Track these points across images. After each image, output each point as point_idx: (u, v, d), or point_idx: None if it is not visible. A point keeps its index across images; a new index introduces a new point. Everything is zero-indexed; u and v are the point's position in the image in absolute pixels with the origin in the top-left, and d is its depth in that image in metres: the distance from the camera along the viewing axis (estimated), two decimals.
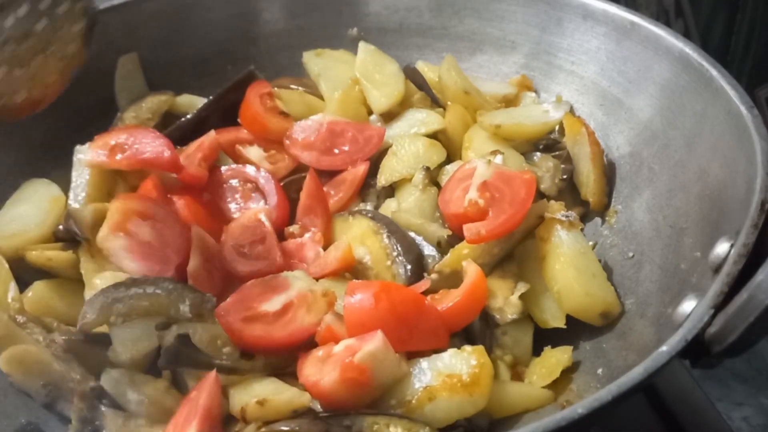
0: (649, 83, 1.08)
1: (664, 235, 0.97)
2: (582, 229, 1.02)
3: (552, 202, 1.01)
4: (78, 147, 1.17)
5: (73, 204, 1.13)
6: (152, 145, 1.13)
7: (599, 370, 0.89)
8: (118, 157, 1.13)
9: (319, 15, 1.37)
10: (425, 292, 0.94)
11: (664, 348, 0.69)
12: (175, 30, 1.33)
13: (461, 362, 0.84)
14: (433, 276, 0.96)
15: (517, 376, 0.94)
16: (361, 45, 1.31)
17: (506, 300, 0.94)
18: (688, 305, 0.76)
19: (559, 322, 0.94)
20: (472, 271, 0.93)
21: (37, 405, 0.94)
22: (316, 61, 1.31)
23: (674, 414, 1.03)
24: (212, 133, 1.18)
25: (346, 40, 1.35)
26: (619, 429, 0.99)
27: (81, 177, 1.14)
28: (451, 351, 0.85)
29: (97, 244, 1.04)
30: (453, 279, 0.96)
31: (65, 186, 1.16)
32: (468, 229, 0.96)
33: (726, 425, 1.04)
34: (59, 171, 1.18)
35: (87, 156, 1.14)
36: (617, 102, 1.13)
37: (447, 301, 0.91)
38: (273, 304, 0.91)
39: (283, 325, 0.90)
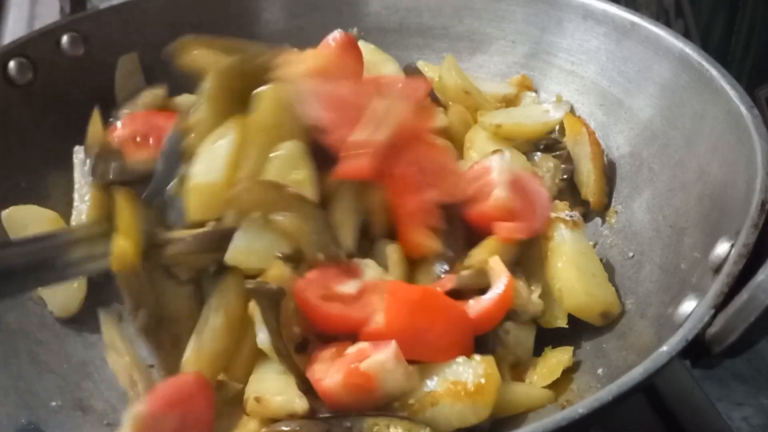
0: (649, 83, 1.08)
1: (664, 235, 0.96)
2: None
3: (557, 201, 1.01)
4: (77, 147, 1.17)
5: (80, 205, 1.13)
6: None
7: (599, 370, 0.89)
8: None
9: (319, 15, 1.37)
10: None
11: (664, 348, 0.68)
12: (175, 30, 1.33)
13: (469, 370, 0.83)
14: (463, 273, 0.95)
15: (518, 376, 0.94)
16: (361, 45, 1.30)
17: (528, 299, 0.94)
18: (688, 305, 0.76)
19: (562, 322, 0.94)
20: (503, 275, 0.92)
21: (37, 405, 0.94)
22: None
23: (674, 414, 1.02)
24: None
25: None
26: (619, 429, 0.99)
27: (85, 177, 1.15)
28: (460, 358, 0.85)
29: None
30: (476, 278, 0.95)
31: (65, 187, 1.16)
32: (502, 227, 0.96)
33: (726, 425, 1.04)
34: (59, 171, 1.18)
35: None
36: (617, 102, 1.13)
37: (477, 307, 0.90)
38: (349, 287, 0.90)
39: (359, 308, 0.89)
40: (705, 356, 0.72)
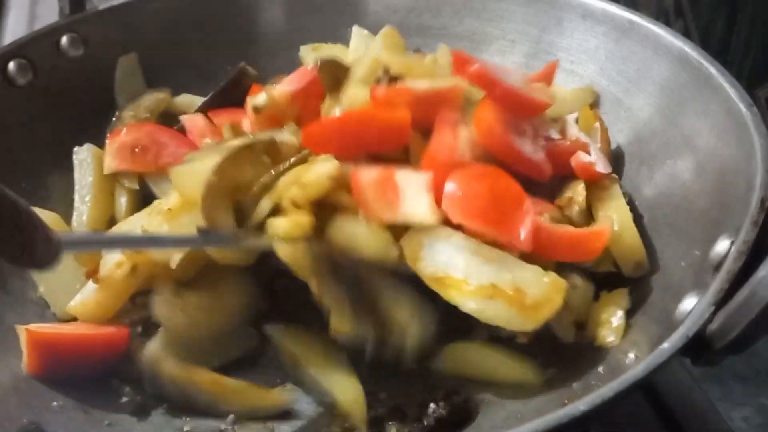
0: (649, 82, 1.08)
1: (664, 233, 0.97)
2: None
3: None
4: (77, 149, 1.17)
5: (80, 206, 1.13)
6: (176, 148, 1.14)
7: (600, 368, 0.89)
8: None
9: (319, 15, 1.37)
10: None
11: (665, 345, 0.68)
12: (175, 30, 1.33)
13: (535, 284, 0.85)
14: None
15: (579, 334, 0.94)
16: (355, 30, 1.31)
17: None
18: (688, 303, 0.76)
19: (611, 266, 0.96)
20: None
21: (38, 405, 0.94)
22: (313, 56, 1.30)
23: (674, 414, 1.02)
24: None
25: (346, 40, 1.35)
26: (619, 429, 0.99)
27: (85, 178, 1.15)
28: (534, 268, 0.86)
29: None
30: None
31: (66, 187, 1.16)
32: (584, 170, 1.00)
33: (726, 425, 1.03)
34: (59, 172, 1.18)
35: (111, 164, 1.14)
36: (617, 101, 1.13)
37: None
38: None
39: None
40: (706, 353, 0.71)
